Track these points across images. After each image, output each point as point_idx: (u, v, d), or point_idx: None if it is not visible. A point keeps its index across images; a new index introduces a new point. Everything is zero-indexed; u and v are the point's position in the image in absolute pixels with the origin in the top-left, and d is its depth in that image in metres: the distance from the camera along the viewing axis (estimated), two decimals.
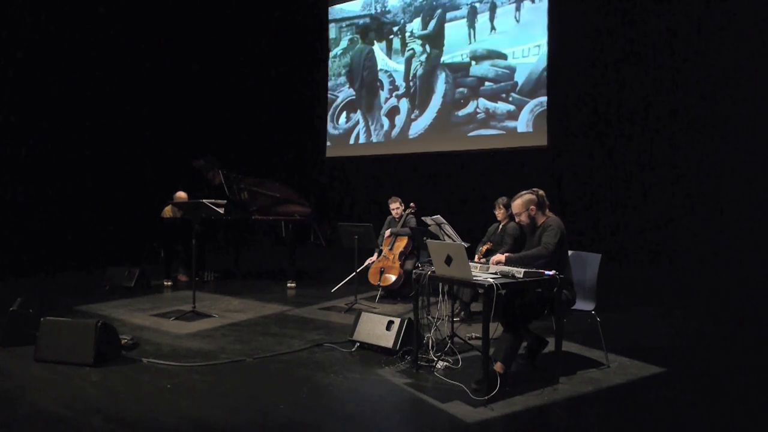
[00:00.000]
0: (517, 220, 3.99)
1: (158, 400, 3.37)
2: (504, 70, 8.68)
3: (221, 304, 6.18)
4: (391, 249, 6.41)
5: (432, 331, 4.20)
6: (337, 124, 10.78)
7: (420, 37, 9.63)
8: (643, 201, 7.55)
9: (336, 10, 10.82)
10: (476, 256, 5.20)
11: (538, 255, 3.75)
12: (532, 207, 3.87)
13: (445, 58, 9.32)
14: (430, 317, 4.29)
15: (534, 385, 3.59)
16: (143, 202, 9.14)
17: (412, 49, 9.73)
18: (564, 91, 8.12)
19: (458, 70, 9.16)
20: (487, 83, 8.85)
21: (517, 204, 3.91)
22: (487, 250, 5.30)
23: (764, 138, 6.69)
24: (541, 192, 3.92)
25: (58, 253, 8.64)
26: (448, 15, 9.31)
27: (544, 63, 8.27)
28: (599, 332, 3.95)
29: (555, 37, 8.20)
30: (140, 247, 8.90)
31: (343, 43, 10.72)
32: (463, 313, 5.34)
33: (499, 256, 3.80)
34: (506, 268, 3.68)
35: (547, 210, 3.92)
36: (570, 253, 4.12)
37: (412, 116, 9.72)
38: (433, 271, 3.78)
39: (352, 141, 10.57)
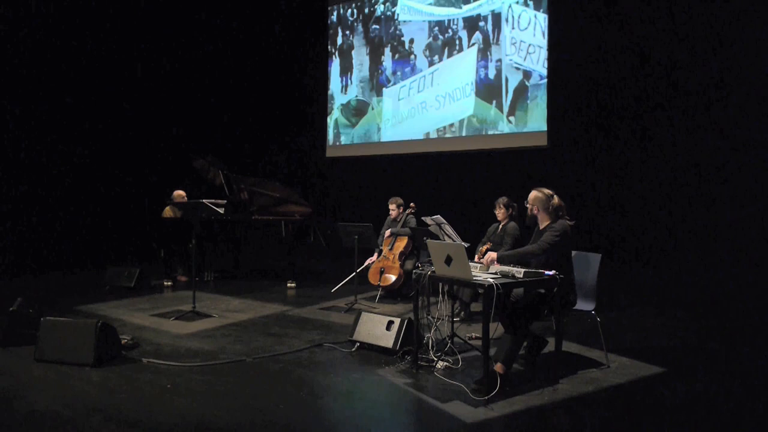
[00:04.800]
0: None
1: (158, 400, 3.37)
2: (507, 71, 8.67)
3: (221, 304, 6.18)
4: (391, 249, 6.41)
5: (432, 331, 4.20)
6: (338, 123, 10.77)
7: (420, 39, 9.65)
8: (643, 201, 7.55)
9: (336, 9, 10.81)
10: (476, 256, 5.20)
11: (530, 252, 3.80)
12: (535, 207, 3.93)
13: (447, 58, 9.32)
14: (430, 317, 4.29)
15: (534, 385, 3.60)
16: (143, 202, 9.15)
17: (414, 49, 9.73)
18: (564, 91, 8.11)
19: (461, 68, 9.15)
20: (487, 83, 8.84)
21: (530, 196, 3.99)
22: (487, 250, 5.29)
23: (765, 138, 6.69)
24: (555, 200, 3.90)
25: (58, 253, 8.65)
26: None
27: (544, 63, 8.27)
28: (599, 332, 3.96)
29: (555, 38, 8.20)
30: (140, 247, 8.91)
31: (345, 42, 10.71)
32: (463, 313, 5.34)
33: (492, 254, 3.82)
34: (506, 268, 3.68)
35: (557, 216, 3.88)
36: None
37: (414, 116, 9.71)
38: (433, 271, 3.78)
39: (352, 141, 10.57)
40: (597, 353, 4.22)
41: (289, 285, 7.20)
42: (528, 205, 3.99)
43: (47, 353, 3.96)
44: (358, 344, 4.39)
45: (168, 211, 7.57)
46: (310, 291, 6.96)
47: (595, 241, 7.14)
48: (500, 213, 5.61)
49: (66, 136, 9.05)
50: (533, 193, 3.97)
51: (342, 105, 10.71)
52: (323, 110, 10.93)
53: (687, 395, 3.57)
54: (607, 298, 4.84)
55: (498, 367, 3.51)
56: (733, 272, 6.64)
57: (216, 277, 7.82)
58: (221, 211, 5.67)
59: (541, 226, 3.95)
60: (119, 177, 9.74)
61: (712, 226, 7.00)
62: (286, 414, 3.20)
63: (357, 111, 10.49)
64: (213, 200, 5.69)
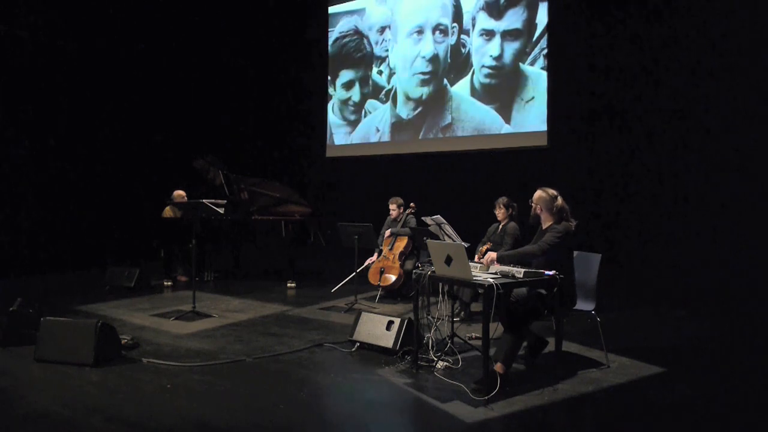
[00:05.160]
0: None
1: (158, 400, 3.37)
2: (505, 70, 8.67)
3: (221, 304, 6.18)
4: (391, 249, 6.41)
5: (432, 331, 4.20)
6: (338, 123, 10.77)
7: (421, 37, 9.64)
8: (643, 201, 7.55)
9: (337, 8, 10.81)
10: (476, 256, 5.20)
11: (530, 252, 3.80)
12: (539, 206, 3.92)
13: (447, 58, 9.32)
14: (430, 317, 4.29)
15: (534, 385, 3.59)
16: (143, 202, 9.15)
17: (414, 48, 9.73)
18: (564, 91, 8.11)
19: (459, 69, 9.15)
20: (487, 83, 8.84)
21: (535, 195, 3.97)
22: (487, 250, 5.29)
23: (765, 137, 6.69)
24: (559, 202, 3.89)
25: (58, 253, 8.65)
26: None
27: (544, 63, 8.27)
28: (599, 332, 3.96)
29: (555, 37, 8.20)
30: (140, 247, 8.91)
31: (345, 42, 10.71)
32: (463, 313, 5.34)
33: (491, 254, 3.81)
34: (506, 268, 3.68)
35: (560, 217, 3.88)
36: None
37: (413, 116, 9.71)
38: (433, 271, 3.78)
39: (352, 141, 10.57)
40: (597, 353, 4.22)
41: (289, 285, 7.21)
42: (532, 204, 3.98)
43: (47, 353, 3.96)
44: (358, 344, 4.39)
45: (168, 211, 7.58)
46: (310, 291, 6.96)
47: (595, 241, 7.14)
48: (500, 213, 5.61)
49: (66, 135, 9.04)
50: (538, 193, 3.96)
51: (342, 105, 10.71)
52: (323, 110, 10.93)
53: (687, 395, 3.56)
54: (607, 298, 4.83)
55: (498, 367, 3.51)
56: (733, 272, 6.63)
57: (216, 277, 7.82)
58: (221, 211, 5.67)
59: (544, 226, 3.94)
60: (119, 177, 9.73)
61: (712, 226, 6.99)
62: (286, 414, 3.20)
63: (357, 111, 10.48)
64: (213, 200, 5.69)
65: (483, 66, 8.85)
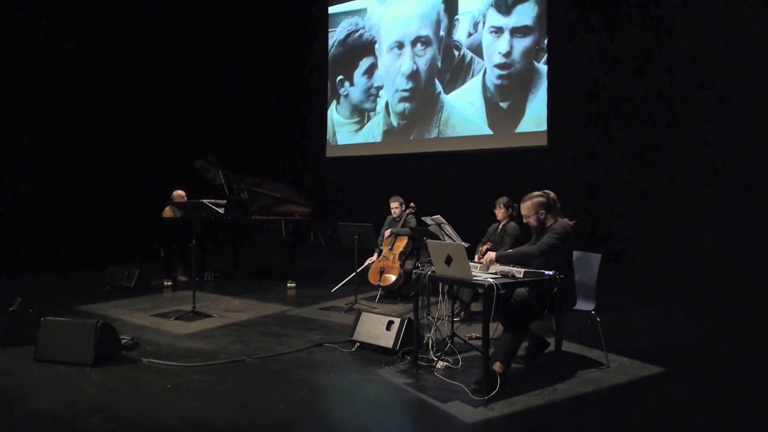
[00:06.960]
0: (525, 221, 3.96)
1: (158, 400, 3.37)
2: (504, 70, 8.67)
3: (221, 304, 6.18)
4: (391, 249, 6.41)
5: (432, 331, 4.20)
6: (340, 123, 10.77)
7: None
8: (643, 201, 7.55)
9: (337, 8, 10.81)
10: (476, 256, 5.21)
11: (529, 253, 3.77)
12: (541, 211, 3.83)
13: (446, 56, 9.33)
14: (430, 317, 4.29)
15: (534, 385, 3.59)
16: (143, 202, 9.14)
17: (414, 46, 9.73)
18: (564, 90, 8.11)
19: (459, 69, 9.15)
20: (487, 83, 8.84)
21: (526, 206, 3.87)
22: (487, 250, 5.30)
23: (765, 137, 6.69)
24: (552, 195, 3.85)
25: (58, 253, 8.65)
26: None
27: (544, 62, 8.27)
28: (599, 332, 3.96)
29: (555, 36, 8.20)
30: (140, 247, 8.91)
31: (348, 42, 10.71)
32: (463, 313, 5.34)
33: (491, 254, 3.80)
34: (506, 268, 3.68)
35: (557, 213, 3.85)
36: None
37: (413, 115, 9.71)
38: (433, 271, 3.78)
39: (352, 141, 10.57)
40: (597, 353, 4.22)
41: (289, 285, 7.21)
42: (530, 215, 3.85)
43: (47, 353, 3.96)
44: (358, 344, 4.39)
45: (168, 211, 7.58)
46: (310, 291, 6.96)
47: (595, 241, 7.15)
48: (500, 213, 5.62)
49: (66, 136, 9.04)
50: (527, 203, 3.85)
51: (342, 104, 10.70)
52: (323, 110, 10.93)
53: (687, 395, 3.56)
54: (607, 298, 4.83)
55: (497, 366, 3.50)
56: (733, 272, 6.63)
57: (216, 277, 7.82)
58: (221, 211, 5.67)
59: (546, 225, 3.90)
60: (119, 177, 9.73)
61: (712, 225, 7.00)
62: (286, 414, 3.20)
63: (357, 111, 10.48)
64: (213, 200, 5.69)
65: (494, 65, 8.80)
